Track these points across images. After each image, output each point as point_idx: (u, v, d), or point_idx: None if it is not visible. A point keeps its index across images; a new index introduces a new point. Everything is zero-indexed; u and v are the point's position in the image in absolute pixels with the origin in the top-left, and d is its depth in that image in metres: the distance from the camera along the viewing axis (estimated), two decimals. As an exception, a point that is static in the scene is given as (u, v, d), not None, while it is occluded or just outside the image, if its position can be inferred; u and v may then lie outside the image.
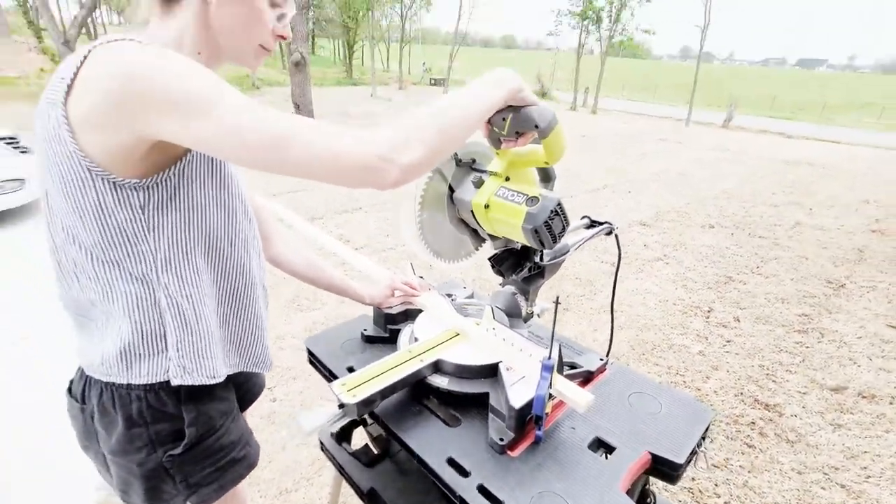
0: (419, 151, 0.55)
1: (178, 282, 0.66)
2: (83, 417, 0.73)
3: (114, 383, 0.68)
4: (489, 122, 0.75)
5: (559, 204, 0.76)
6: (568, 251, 1.02)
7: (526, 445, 0.79)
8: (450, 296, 1.23)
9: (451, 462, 0.76)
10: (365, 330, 1.14)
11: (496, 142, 0.80)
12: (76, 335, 0.73)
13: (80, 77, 0.53)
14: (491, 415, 0.83)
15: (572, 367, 1.04)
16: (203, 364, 0.71)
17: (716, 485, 1.79)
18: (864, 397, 2.34)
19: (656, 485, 1.56)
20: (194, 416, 0.72)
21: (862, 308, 3.31)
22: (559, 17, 21.91)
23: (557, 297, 0.81)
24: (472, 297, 1.30)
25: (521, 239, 0.81)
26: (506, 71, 0.68)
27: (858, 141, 16.53)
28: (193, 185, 0.64)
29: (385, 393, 0.84)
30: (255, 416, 1.93)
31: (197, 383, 0.70)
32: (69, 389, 0.77)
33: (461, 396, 0.89)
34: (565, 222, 0.79)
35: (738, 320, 3.06)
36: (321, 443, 1.19)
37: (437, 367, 0.93)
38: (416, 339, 1.01)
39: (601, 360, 1.05)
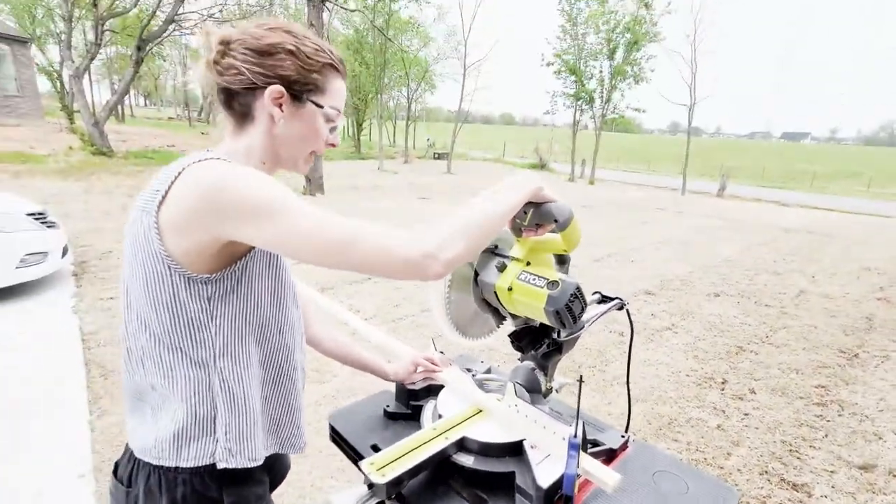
0: (458, 249, 0.63)
1: (231, 366, 0.71)
2: (127, 500, 0.74)
3: (162, 466, 0.71)
4: None
5: (578, 288, 0.83)
6: (583, 327, 1.07)
7: (555, 528, 0.79)
8: (469, 370, 1.26)
9: (482, 546, 0.76)
10: (387, 406, 1.16)
11: (517, 230, 0.88)
12: (129, 419, 0.77)
13: (174, 190, 0.62)
14: (518, 495, 0.83)
15: (594, 444, 1.04)
16: (246, 447, 0.74)
17: (750, 576, 1.67)
18: (895, 476, 2.24)
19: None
20: (234, 500, 0.73)
21: (879, 379, 3.24)
22: (554, 97, 23.51)
23: (581, 376, 0.85)
24: (489, 371, 1.33)
25: (543, 319, 0.87)
26: (528, 174, 0.78)
27: (851, 209, 16.96)
28: (253, 278, 0.71)
29: (413, 472, 0.85)
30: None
31: (240, 466, 0.73)
32: (115, 472, 0.79)
33: (487, 476, 0.89)
34: (584, 304, 0.85)
35: (754, 392, 3.00)
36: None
37: (461, 444, 0.95)
38: (439, 416, 1.03)
39: (622, 436, 1.06)
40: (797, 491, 2.11)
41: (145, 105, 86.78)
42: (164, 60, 37.23)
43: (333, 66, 0.76)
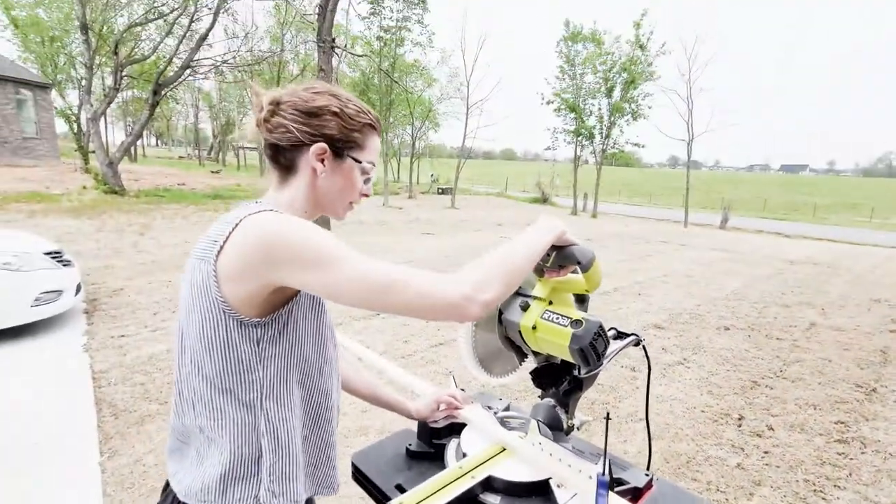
0: (495, 290, 0.67)
1: (277, 407, 0.74)
2: None
3: None
4: None
5: (601, 326, 0.86)
6: (602, 364, 1.09)
7: (587, 570, 0.79)
8: (489, 408, 1.27)
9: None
10: (410, 445, 1.16)
11: (539, 271, 0.93)
12: (172, 462, 0.79)
13: (231, 240, 0.67)
14: (548, 536, 0.83)
15: (619, 482, 1.04)
16: (289, 488, 0.75)
17: None
18: (925, 517, 2.17)
19: None
20: None
21: (899, 414, 3.18)
22: (555, 134, 24.13)
23: (608, 413, 0.87)
24: (508, 408, 1.33)
25: (567, 357, 0.89)
26: (552, 219, 0.83)
27: (854, 239, 16.97)
28: (298, 321, 0.75)
29: (442, 513, 0.85)
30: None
31: None
32: None
33: (515, 516, 0.90)
34: (607, 341, 0.88)
35: (772, 428, 2.94)
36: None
37: (488, 484, 0.95)
38: (464, 454, 1.04)
39: (646, 475, 1.06)
40: (825, 534, 2.04)
41: (157, 145, 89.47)
42: (178, 103, 38.69)
43: (372, 125, 0.83)
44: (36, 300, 3.70)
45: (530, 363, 1.10)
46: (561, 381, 1.08)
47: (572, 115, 22.87)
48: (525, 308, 0.95)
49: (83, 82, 15.22)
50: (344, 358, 1.07)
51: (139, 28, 16.37)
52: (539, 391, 1.16)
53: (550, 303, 0.94)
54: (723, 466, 2.51)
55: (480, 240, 10.85)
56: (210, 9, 14.36)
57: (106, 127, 26.68)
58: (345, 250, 0.66)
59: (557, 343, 0.88)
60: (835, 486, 2.39)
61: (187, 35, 15.14)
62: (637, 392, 3.34)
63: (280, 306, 0.73)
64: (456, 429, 1.18)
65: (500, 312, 1.00)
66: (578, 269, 0.88)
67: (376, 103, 21.86)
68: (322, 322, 0.81)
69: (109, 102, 15.00)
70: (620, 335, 1.26)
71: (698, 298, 6.25)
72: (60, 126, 21.31)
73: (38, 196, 11.09)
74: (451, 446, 1.12)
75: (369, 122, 0.82)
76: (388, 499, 1.00)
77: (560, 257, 0.85)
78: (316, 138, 0.77)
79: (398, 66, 22.37)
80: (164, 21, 15.37)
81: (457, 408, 1.18)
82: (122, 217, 9.65)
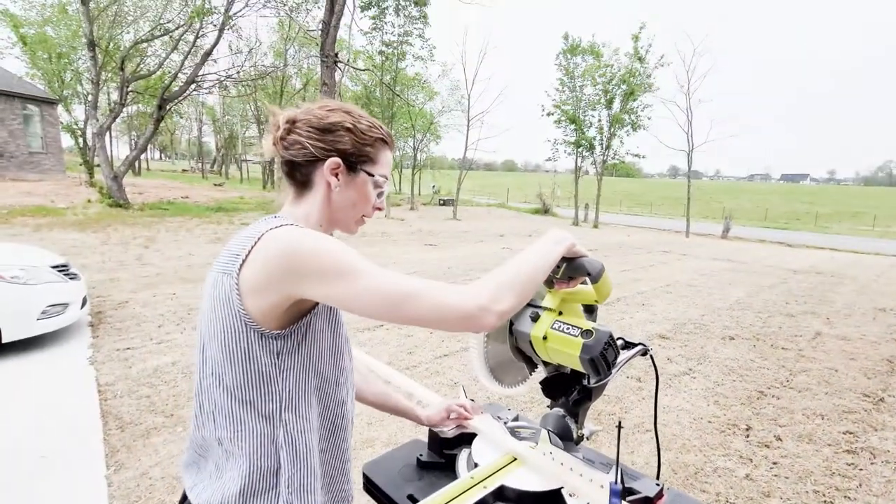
0: (508, 301, 0.69)
1: (295, 419, 0.75)
2: None
3: None
4: None
5: (611, 335, 0.87)
6: (612, 373, 1.10)
7: (601, 579, 0.79)
8: (499, 418, 1.28)
9: None
10: (420, 455, 1.17)
11: (549, 283, 0.94)
12: (189, 475, 0.80)
13: (254, 254, 0.69)
14: (561, 545, 0.84)
15: (630, 492, 1.04)
16: (307, 500, 0.76)
17: None
18: (938, 529, 2.14)
19: None
20: None
21: (908, 424, 3.15)
22: (555, 145, 24.29)
23: (620, 421, 0.88)
24: (517, 418, 1.34)
25: (577, 367, 0.91)
26: (561, 232, 0.85)
27: (857, 248, 16.94)
28: (316, 333, 0.77)
29: (456, 523, 0.86)
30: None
31: None
32: None
33: (528, 526, 0.90)
34: (617, 351, 0.89)
35: (780, 439, 2.92)
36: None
37: (500, 493, 0.96)
38: (475, 464, 1.05)
39: (657, 484, 1.06)
40: (836, 546, 2.02)
41: (160, 158, 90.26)
42: (181, 117, 39.13)
43: (384, 140, 0.86)
44: (42, 313, 3.72)
45: (540, 373, 1.11)
46: (571, 390, 1.09)
47: (572, 126, 23.06)
48: (535, 319, 0.97)
49: (89, 98, 15.46)
50: (357, 369, 1.08)
51: (145, 44, 16.66)
52: (548, 401, 1.17)
53: (560, 313, 0.96)
54: (731, 477, 2.50)
55: (483, 251, 10.87)
56: (215, 25, 14.63)
57: (111, 141, 26.99)
58: (363, 263, 0.67)
59: (568, 353, 0.90)
60: (845, 496, 2.36)
61: (192, 51, 15.40)
62: (643, 403, 3.32)
63: (299, 318, 0.74)
64: (466, 439, 1.18)
65: (511, 323, 1.01)
66: (588, 281, 0.90)
67: (378, 116, 22.10)
68: (338, 334, 0.82)
69: (115, 117, 15.20)
70: (628, 345, 1.27)
71: (702, 308, 6.24)
72: (66, 141, 21.57)
73: (43, 210, 11.18)
74: (462, 456, 1.12)
75: (381, 136, 0.85)
76: (400, 509, 1.01)
77: (570, 269, 0.87)
78: (330, 153, 0.80)
79: (400, 80, 22.66)
80: (170, 37, 15.65)
81: (467, 418, 1.19)
82: (127, 230, 9.72)
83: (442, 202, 26.63)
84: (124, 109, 18.46)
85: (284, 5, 15.60)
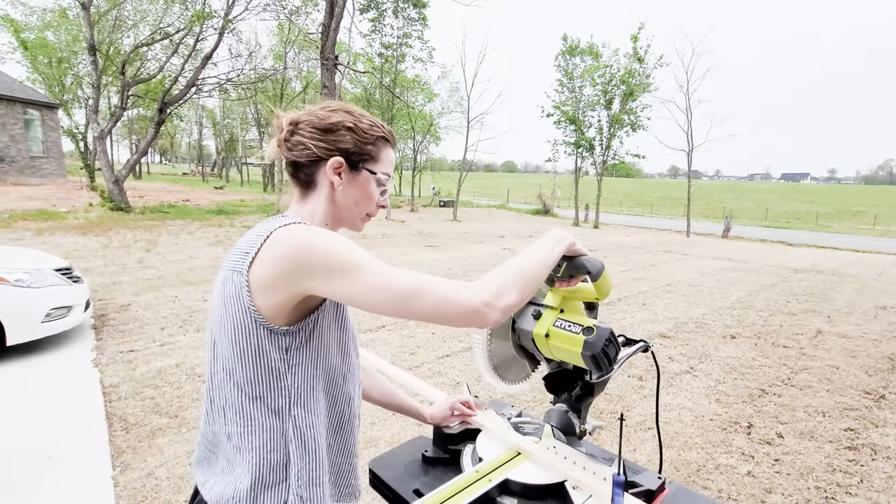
0: (513, 297, 0.71)
1: (304, 414, 0.77)
2: None
3: None
4: None
5: (612, 332, 0.89)
6: (614, 369, 1.12)
7: (605, 568, 0.81)
8: (502, 414, 1.29)
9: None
10: (426, 451, 1.19)
11: (550, 281, 0.96)
12: (200, 471, 0.82)
13: (263, 252, 0.71)
14: (565, 536, 0.85)
15: (632, 485, 1.06)
16: (316, 493, 0.78)
17: None
18: (939, 524, 2.15)
19: None
20: None
21: (909, 421, 3.16)
22: (555, 146, 24.31)
23: (622, 413, 0.90)
24: (520, 415, 1.36)
25: (579, 363, 0.92)
26: (562, 231, 0.87)
27: (858, 247, 16.94)
28: (323, 329, 0.79)
29: (462, 515, 0.88)
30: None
31: None
32: None
33: (532, 518, 0.92)
34: (618, 347, 0.91)
35: (782, 436, 2.93)
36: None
37: (504, 487, 0.97)
38: (479, 459, 1.06)
39: (659, 478, 1.08)
40: (838, 541, 2.03)
41: (161, 161, 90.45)
42: (182, 120, 39.20)
43: (385, 138, 0.88)
44: (46, 316, 3.74)
45: (542, 370, 1.13)
46: (573, 386, 1.11)
47: (572, 127, 23.09)
48: (538, 317, 0.99)
49: (90, 102, 15.50)
50: (362, 368, 1.10)
51: (145, 48, 16.71)
52: (549, 399, 1.18)
53: (562, 311, 0.98)
54: (733, 474, 2.51)
55: (483, 252, 10.89)
56: (215, 29, 14.67)
57: (112, 145, 27.05)
58: (370, 259, 0.69)
59: (570, 350, 0.91)
60: (846, 493, 2.38)
61: (192, 54, 15.45)
62: (645, 401, 3.33)
63: (307, 315, 0.76)
64: (470, 435, 1.20)
65: (514, 322, 1.03)
66: (588, 279, 0.92)
67: (378, 118, 22.12)
68: (345, 330, 0.84)
69: (116, 121, 15.24)
70: (630, 342, 1.29)
71: (703, 307, 6.25)
72: (67, 145, 21.62)
73: (45, 214, 11.22)
74: (467, 452, 1.14)
75: (382, 135, 0.87)
76: (407, 503, 1.03)
77: (570, 267, 0.89)
78: (332, 153, 0.82)
79: (399, 82, 22.70)
80: (170, 41, 15.70)
81: (471, 414, 1.21)
82: (129, 233, 9.75)
83: (442, 204, 26.65)
84: (125, 113, 18.51)
85: (284, 9, 15.66)
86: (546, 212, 27.68)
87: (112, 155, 22.72)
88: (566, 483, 0.94)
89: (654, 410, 1.15)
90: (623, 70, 21.52)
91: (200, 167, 50.15)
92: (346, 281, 0.67)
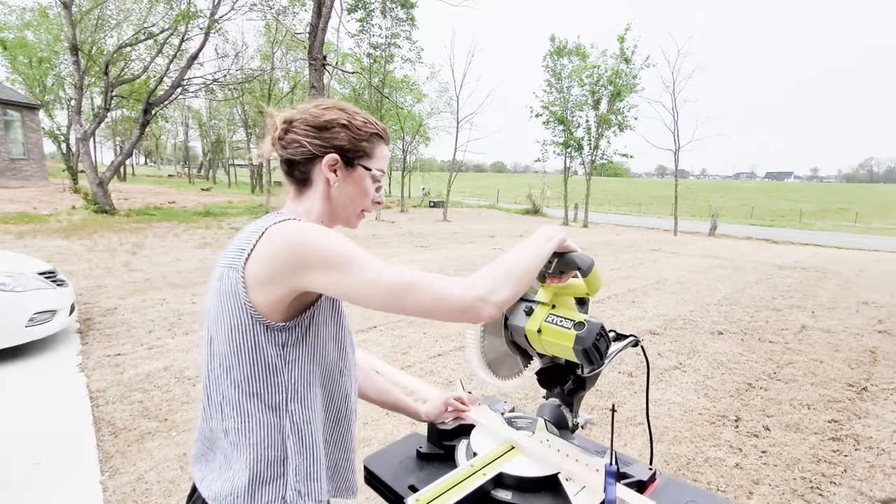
0: (506, 292, 0.72)
1: (301, 409, 0.77)
2: None
3: None
4: None
5: (602, 327, 0.91)
6: (604, 363, 1.14)
7: (598, 557, 0.82)
8: (496, 410, 1.30)
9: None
10: (420, 447, 1.19)
11: (541, 277, 0.98)
12: (198, 468, 0.81)
13: (258, 248, 0.71)
14: (559, 527, 0.87)
15: (624, 476, 1.08)
16: (314, 488, 0.78)
17: None
18: (919, 511, 2.22)
19: None
20: None
21: (889, 412, 3.25)
22: (544, 146, 24.46)
23: (613, 404, 0.91)
24: (514, 410, 1.37)
25: (571, 358, 0.94)
26: (553, 228, 0.88)
27: (840, 244, 17.31)
28: (319, 325, 0.79)
29: (457, 508, 0.89)
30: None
31: None
32: None
33: (526, 510, 0.93)
34: (608, 342, 0.93)
35: (769, 429, 2.99)
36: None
37: (499, 480, 0.98)
38: (474, 454, 1.07)
39: (650, 469, 1.10)
40: (823, 530, 2.08)
41: (146, 163, 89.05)
42: (167, 121, 38.67)
43: (379, 135, 0.88)
44: (30, 321, 3.67)
45: (534, 366, 1.14)
46: (565, 381, 1.12)
47: (561, 127, 23.25)
48: (529, 313, 1.00)
49: (72, 103, 15.20)
50: (357, 365, 1.10)
51: (129, 48, 16.46)
52: (541, 395, 1.20)
53: (553, 307, 0.99)
54: (722, 467, 2.55)
55: (474, 251, 10.91)
56: (201, 29, 14.51)
57: (95, 147, 26.57)
58: (365, 255, 0.70)
59: (562, 345, 0.93)
60: (831, 482, 2.43)
61: (178, 54, 15.25)
62: (635, 397, 3.38)
63: (303, 311, 0.76)
64: (465, 430, 1.21)
65: (506, 318, 1.04)
66: (578, 275, 0.93)
67: (368, 118, 22.01)
68: (341, 326, 0.84)
69: (100, 122, 14.98)
70: (620, 337, 1.31)
71: (691, 304, 6.34)
72: (48, 146, 21.23)
73: (26, 217, 10.98)
74: (462, 447, 1.15)
75: (376, 131, 0.87)
76: (402, 499, 1.03)
77: (561, 263, 0.90)
78: (327, 150, 0.82)
79: (388, 82, 22.64)
80: (155, 41, 15.48)
81: (465, 409, 1.22)
82: (114, 236, 9.59)
83: (432, 204, 26.66)
84: (109, 114, 18.21)
85: (271, 8, 15.54)
86: (536, 211, 27.83)
87: (96, 157, 22.33)
88: (559, 475, 0.96)
89: (645, 405, 1.17)
90: (610, 70, 21.73)
91: (187, 169, 49.51)
92: (341, 276, 0.68)
